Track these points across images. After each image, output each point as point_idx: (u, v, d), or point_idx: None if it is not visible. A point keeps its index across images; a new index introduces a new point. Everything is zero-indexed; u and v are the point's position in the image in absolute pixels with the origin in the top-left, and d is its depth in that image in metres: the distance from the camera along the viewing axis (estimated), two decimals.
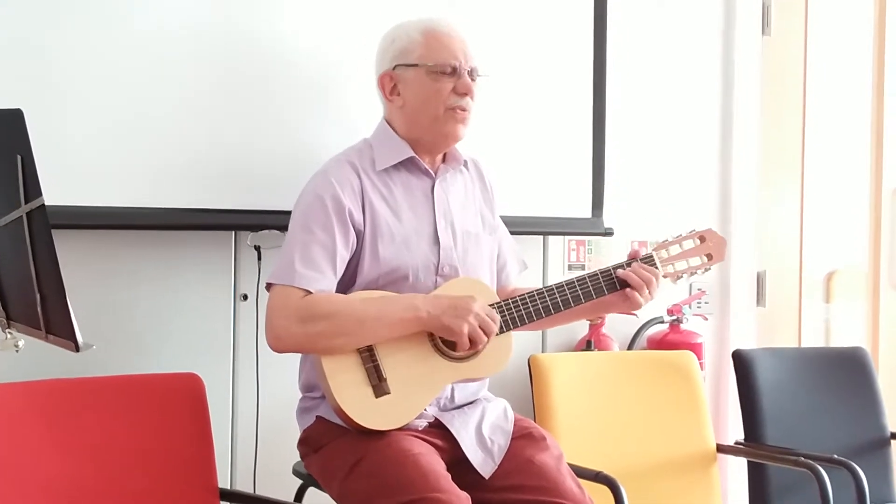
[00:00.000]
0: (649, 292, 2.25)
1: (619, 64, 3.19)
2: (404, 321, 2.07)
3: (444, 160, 2.29)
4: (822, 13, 3.78)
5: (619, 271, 2.26)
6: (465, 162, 2.34)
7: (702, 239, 2.37)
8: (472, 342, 2.08)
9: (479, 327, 2.07)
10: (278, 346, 2.08)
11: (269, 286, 2.11)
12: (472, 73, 2.21)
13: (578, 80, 3.08)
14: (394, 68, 2.22)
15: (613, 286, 2.26)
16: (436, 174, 2.26)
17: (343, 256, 2.12)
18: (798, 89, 3.76)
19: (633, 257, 2.31)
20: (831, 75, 3.81)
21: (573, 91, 3.07)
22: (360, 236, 2.15)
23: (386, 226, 2.16)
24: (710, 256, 2.36)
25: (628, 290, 2.24)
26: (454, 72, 2.18)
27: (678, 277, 2.35)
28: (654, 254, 2.31)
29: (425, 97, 2.19)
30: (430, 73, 2.18)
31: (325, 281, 2.08)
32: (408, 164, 2.24)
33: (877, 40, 3.79)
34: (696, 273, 2.36)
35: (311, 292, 2.05)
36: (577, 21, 3.08)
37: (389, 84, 2.24)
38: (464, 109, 2.20)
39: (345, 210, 2.12)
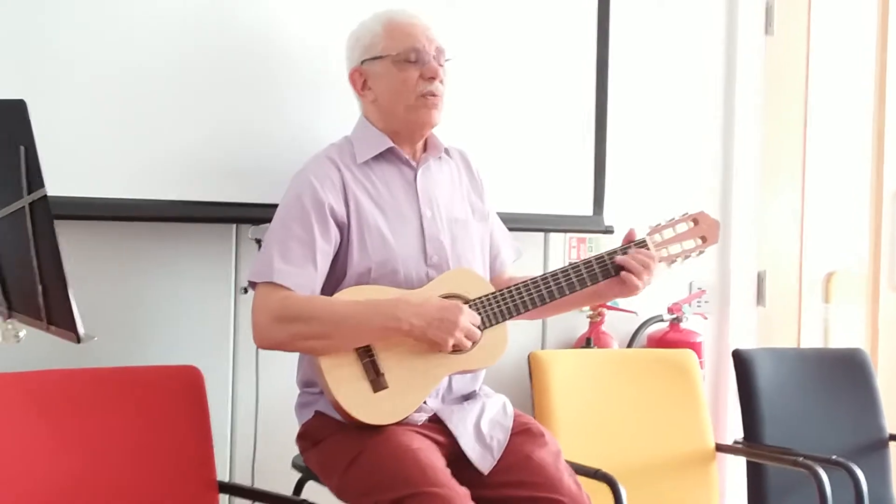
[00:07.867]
0: (648, 276, 2.24)
1: (622, 62, 3.18)
2: (386, 330, 2.06)
3: (425, 149, 2.29)
4: (826, 13, 3.77)
5: (617, 257, 2.25)
6: (448, 150, 2.34)
7: (695, 221, 2.35)
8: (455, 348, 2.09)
9: (465, 337, 2.08)
10: (261, 344, 2.09)
11: (252, 284, 2.11)
12: (438, 57, 2.21)
13: (581, 78, 3.08)
14: (361, 63, 2.23)
15: (608, 272, 2.25)
16: (417, 164, 2.26)
17: (325, 251, 2.11)
18: (800, 90, 3.75)
19: (629, 240, 2.30)
20: (833, 76, 3.81)
21: (575, 89, 3.07)
22: (345, 230, 2.14)
23: (371, 217, 2.16)
24: (703, 239, 2.35)
25: (624, 273, 2.23)
26: (419, 58, 2.19)
27: (672, 261, 2.33)
28: (647, 238, 2.30)
29: (395, 88, 2.20)
30: (395, 62, 2.19)
31: (304, 276, 2.08)
32: (388, 156, 2.24)
33: (880, 41, 3.79)
34: (689, 256, 2.34)
35: (290, 288, 2.05)
36: (580, 19, 3.07)
37: (360, 80, 2.25)
38: (434, 95, 2.19)
39: (324, 205, 2.11)
